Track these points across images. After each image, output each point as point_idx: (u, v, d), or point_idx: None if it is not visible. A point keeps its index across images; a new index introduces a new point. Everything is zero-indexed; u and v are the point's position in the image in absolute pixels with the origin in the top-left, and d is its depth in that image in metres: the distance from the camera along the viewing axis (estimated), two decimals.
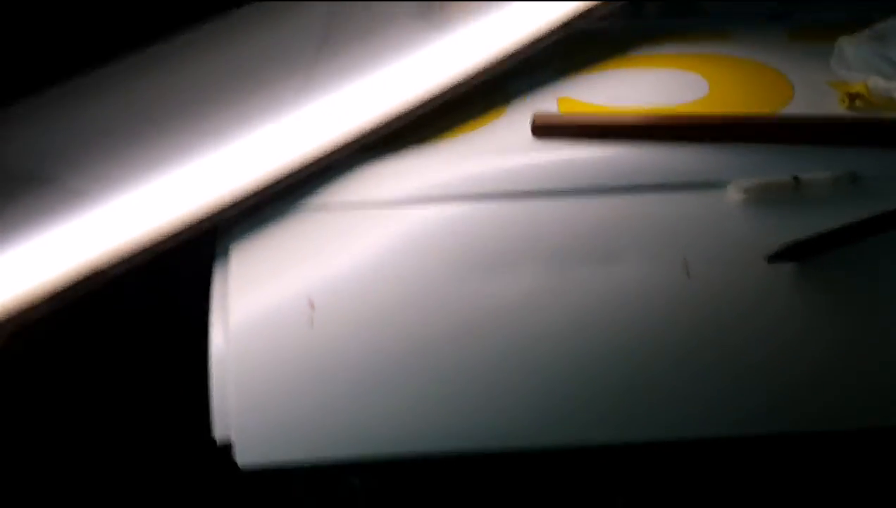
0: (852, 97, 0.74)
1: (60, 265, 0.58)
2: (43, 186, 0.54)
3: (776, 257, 0.63)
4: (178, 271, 0.68)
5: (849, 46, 0.77)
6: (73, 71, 0.48)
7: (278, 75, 0.62)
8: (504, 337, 0.63)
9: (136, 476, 0.73)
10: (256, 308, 0.63)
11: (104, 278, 0.60)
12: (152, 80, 0.54)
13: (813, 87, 0.76)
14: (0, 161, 0.51)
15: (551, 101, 0.78)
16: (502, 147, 0.72)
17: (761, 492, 0.68)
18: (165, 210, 0.62)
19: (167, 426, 0.72)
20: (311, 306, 0.63)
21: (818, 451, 0.67)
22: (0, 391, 0.64)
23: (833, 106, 0.74)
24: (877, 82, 0.74)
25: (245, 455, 0.59)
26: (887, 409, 0.61)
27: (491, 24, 0.74)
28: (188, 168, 0.62)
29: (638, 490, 0.67)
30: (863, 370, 0.62)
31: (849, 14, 0.86)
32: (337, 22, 0.61)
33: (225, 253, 0.66)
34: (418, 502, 0.68)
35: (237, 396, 0.61)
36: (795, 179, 0.66)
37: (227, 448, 0.61)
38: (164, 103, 0.57)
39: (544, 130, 0.73)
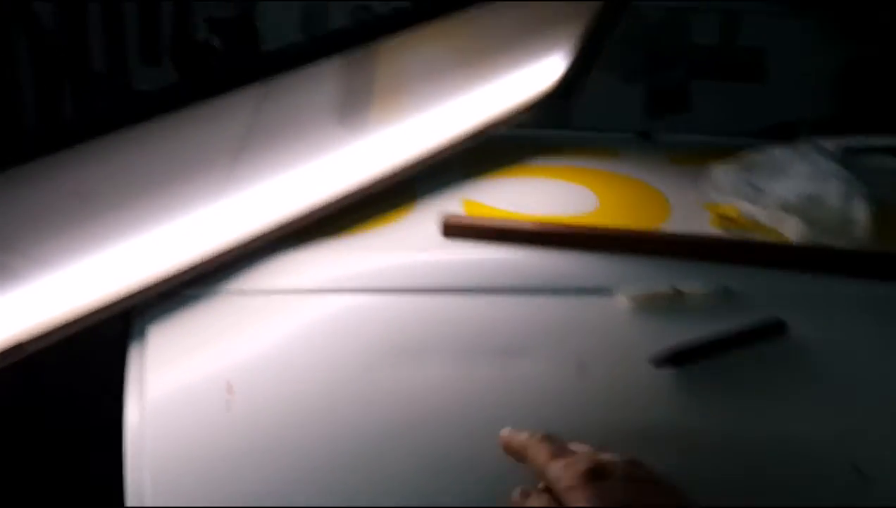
0: (724, 218, 0.83)
1: None
2: None
3: (659, 362, 0.69)
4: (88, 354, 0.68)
5: (721, 173, 0.86)
6: (15, 160, 0.50)
7: (202, 167, 0.65)
8: (411, 427, 0.66)
9: None
10: (174, 389, 0.65)
11: (22, 352, 0.61)
12: (85, 170, 0.56)
13: (689, 207, 0.85)
14: None
15: (456, 202, 0.83)
16: (412, 244, 0.77)
17: None
18: (86, 290, 0.63)
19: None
20: (230, 390, 0.65)
21: None
22: None
23: (706, 224, 0.83)
24: (745, 207, 0.83)
25: None
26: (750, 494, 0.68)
27: (404, 131, 0.80)
28: (113, 251, 0.63)
29: None
30: (729, 461, 0.68)
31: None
32: (261, 119, 0.65)
33: (141, 334, 0.67)
34: None
35: (152, 480, 0.61)
36: (677, 290, 0.74)
37: None
38: (96, 191, 0.58)
39: (454, 230, 0.78)
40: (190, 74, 0.80)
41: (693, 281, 0.75)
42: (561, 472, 0.54)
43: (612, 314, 0.73)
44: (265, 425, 0.64)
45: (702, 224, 0.83)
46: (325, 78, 0.68)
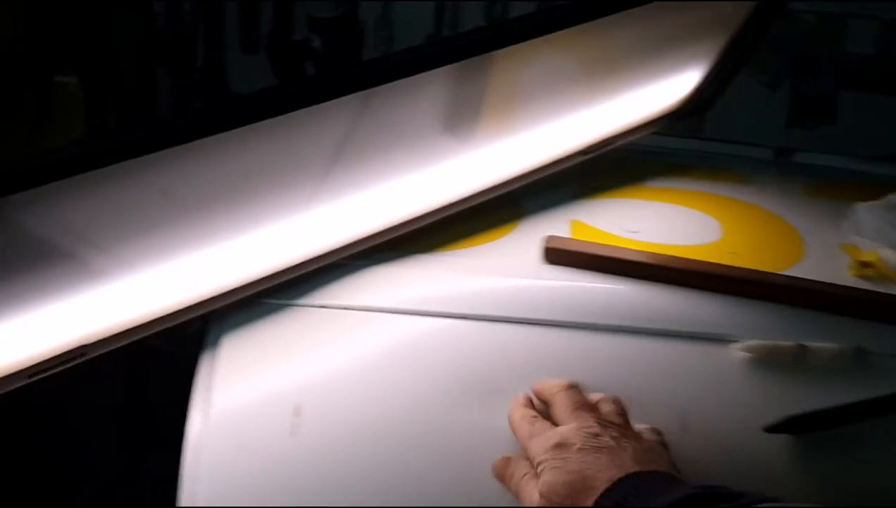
0: (864, 265, 0.73)
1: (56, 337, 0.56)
2: (63, 262, 0.53)
3: (775, 428, 0.62)
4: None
5: (864, 213, 0.77)
6: (104, 160, 0.48)
7: (296, 173, 0.61)
8: (489, 470, 0.61)
9: None
10: (241, 403, 0.61)
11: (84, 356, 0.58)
12: (176, 170, 0.54)
13: (825, 248, 0.76)
14: (28, 235, 0.51)
15: (563, 222, 0.77)
16: (511, 267, 0.71)
17: None
18: (166, 294, 0.61)
19: None
20: (296, 413, 0.61)
21: None
22: None
23: (843, 270, 0.74)
24: (889, 254, 0.73)
25: None
26: None
27: (515, 143, 0.74)
28: (196, 254, 0.60)
29: None
30: None
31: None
32: (360, 124, 0.60)
33: (216, 342, 0.64)
34: None
35: (206, 492, 0.58)
36: (801, 345, 0.66)
37: None
38: (185, 192, 0.56)
39: (555, 254, 0.72)
40: (287, 73, 0.76)
41: (821, 336, 0.66)
42: (536, 448, 0.58)
43: (725, 366, 0.66)
44: (328, 455, 0.60)
45: (838, 270, 0.73)
46: (433, 84, 0.63)
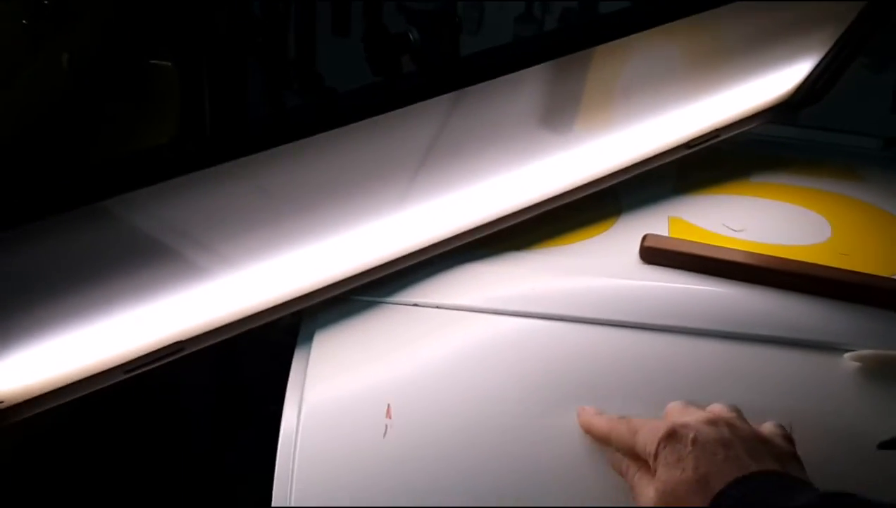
0: None
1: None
2: (162, 258, 0.54)
3: (888, 444, 0.58)
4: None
5: None
6: (204, 161, 0.49)
7: (390, 170, 0.60)
8: (580, 484, 0.59)
9: None
10: (333, 400, 0.61)
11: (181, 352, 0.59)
12: (273, 172, 0.54)
13: None
14: (131, 232, 0.52)
15: (662, 219, 0.74)
16: (608, 267, 0.69)
17: None
18: (262, 291, 0.61)
19: None
20: (389, 414, 0.60)
21: None
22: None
23: None
24: None
25: None
26: None
27: (614, 138, 0.71)
28: (291, 252, 0.60)
29: None
30: None
31: None
32: (454, 119, 0.59)
33: (309, 338, 0.64)
34: None
35: (297, 493, 0.58)
36: None
37: None
38: (281, 194, 0.56)
39: (653, 254, 0.69)
40: (382, 66, 0.75)
41: None
42: (645, 444, 0.55)
43: (835, 376, 0.63)
44: (419, 457, 0.59)
45: None
46: (530, 78, 0.61)
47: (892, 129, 0.90)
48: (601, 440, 0.59)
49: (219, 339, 0.60)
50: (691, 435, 0.53)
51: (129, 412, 0.80)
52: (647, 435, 0.55)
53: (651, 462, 0.54)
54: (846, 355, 0.63)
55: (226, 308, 0.60)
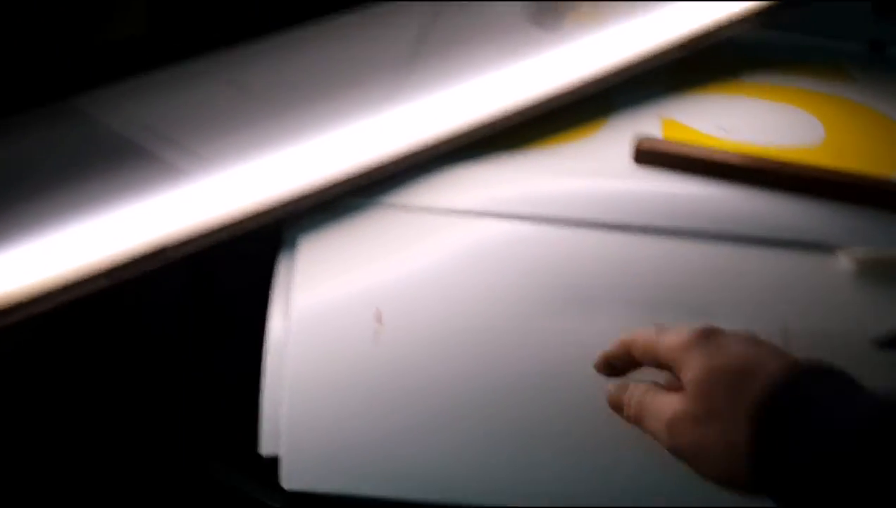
0: None
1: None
2: (141, 160, 0.51)
3: (886, 343, 0.58)
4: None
5: None
6: (182, 55, 0.45)
7: (375, 69, 0.58)
8: (574, 386, 0.58)
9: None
10: (321, 307, 0.59)
11: (164, 258, 0.56)
12: (253, 72, 0.51)
13: None
14: (107, 133, 0.48)
15: (654, 120, 0.72)
16: (600, 168, 0.67)
17: None
18: (247, 194, 0.58)
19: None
20: (379, 319, 0.58)
21: None
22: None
23: None
24: None
25: (292, 480, 0.55)
26: None
27: (605, 35, 0.69)
28: (272, 155, 0.57)
29: None
30: None
31: None
32: (440, 21, 0.56)
33: (292, 244, 0.62)
34: None
35: (290, 406, 0.57)
36: None
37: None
38: (262, 92, 0.53)
39: (647, 156, 0.67)
40: None
41: None
42: (674, 338, 0.48)
43: (831, 277, 0.62)
44: (412, 361, 0.58)
45: None
46: None
47: (877, 31, 0.88)
48: (622, 360, 0.53)
49: (204, 244, 0.57)
50: (726, 333, 0.47)
51: (102, 338, 0.78)
52: (675, 336, 0.48)
53: (680, 357, 0.47)
54: (841, 254, 0.62)
55: (210, 212, 0.57)
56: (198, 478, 0.75)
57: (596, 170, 0.67)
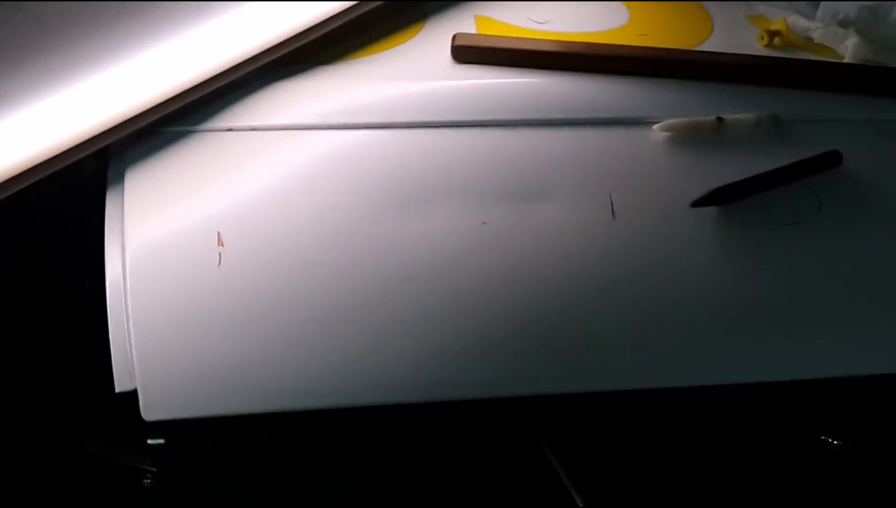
0: (771, 34, 0.73)
1: None
2: None
3: (700, 202, 0.62)
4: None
5: None
6: None
7: None
8: (419, 281, 0.60)
9: None
10: (158, 238, 0.58)
11: None
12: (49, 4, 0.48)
13: (732, 21, 0.75)
14: None
15: (468, 18, 0.74)
16: (420, 70, 0.68)
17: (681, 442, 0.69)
18: (53, 129, 0.55)
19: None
20: (220, 242, 0.58)
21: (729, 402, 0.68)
22: None
23: (751, 42, 0.74)
24: (796, 21, 0.73)
25: (151, 410, 0.54)
26: (807, 359, 0.62)
27: None
28: (82, 84, 0.55)
29: (560, 435, 0.67)
30: (780, 306, 0.62)
31: None
32: None
33: (120, 177, 0.60)
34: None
35: (138, 338, 0.56)
36: (719, 119, 0.66)
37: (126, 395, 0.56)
38: (60, 21, 0.50)
39: (465, 52, 0.69)
40: None
41: (737, 108, 0.66)
42: None
43: (647, 148, 0.65)
44: (259, 278, 0.57)
45: (747, 42, 0.73)
46: None
47: None
48: None
49: (16, 188, 0.55)
50: None
51: None
52: None
53: None
54: (655, 126, 0.66)
55: (18, 153, 0.55)
56: (70, 456, 0.73)
57: (417, 72, 0.68)
